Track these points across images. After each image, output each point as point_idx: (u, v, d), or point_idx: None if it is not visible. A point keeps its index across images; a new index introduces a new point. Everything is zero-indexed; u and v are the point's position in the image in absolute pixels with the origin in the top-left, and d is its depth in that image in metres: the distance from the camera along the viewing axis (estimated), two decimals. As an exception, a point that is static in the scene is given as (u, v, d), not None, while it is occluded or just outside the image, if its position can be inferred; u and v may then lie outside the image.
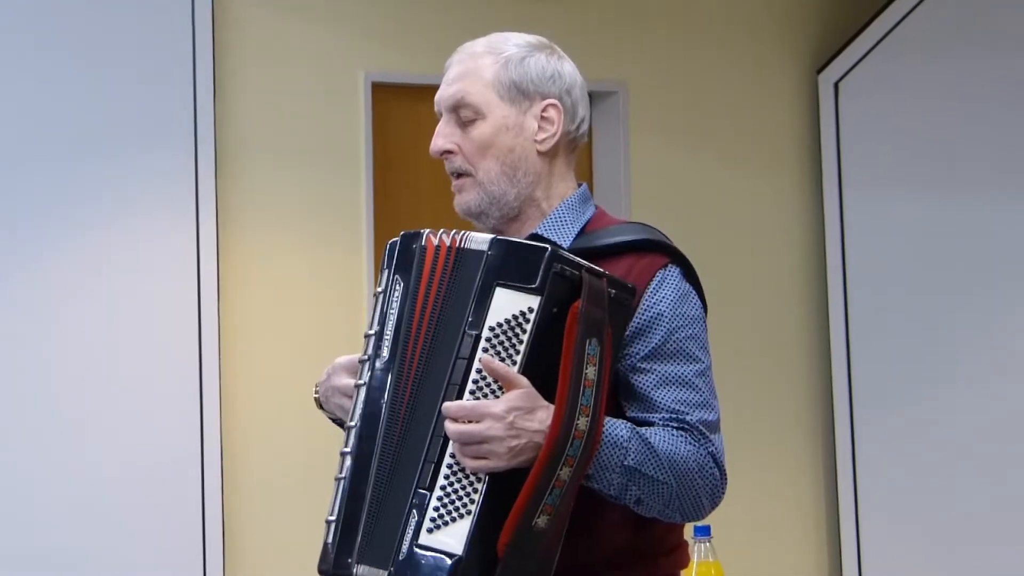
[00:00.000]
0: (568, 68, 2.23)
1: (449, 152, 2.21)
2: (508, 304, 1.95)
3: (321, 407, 2.22)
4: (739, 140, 5.40)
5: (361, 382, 2.07)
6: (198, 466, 4.43)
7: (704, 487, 2.06)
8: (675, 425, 2.05)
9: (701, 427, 2.06)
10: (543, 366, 1.95)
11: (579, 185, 2.24)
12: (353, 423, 2.06)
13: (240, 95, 4.66)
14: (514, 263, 1.97)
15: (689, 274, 2.14)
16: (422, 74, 4.87)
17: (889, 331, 5.29)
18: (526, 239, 2.16)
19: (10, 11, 4.36)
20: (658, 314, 2.08)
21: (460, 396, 1.95)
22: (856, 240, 5.33)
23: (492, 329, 1.94)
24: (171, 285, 4.45)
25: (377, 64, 4.85)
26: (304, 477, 4.57)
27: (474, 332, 1.95)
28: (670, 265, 2.12)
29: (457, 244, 2.04)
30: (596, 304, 1.96)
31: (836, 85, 5.38)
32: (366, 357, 2.08)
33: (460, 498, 1.93)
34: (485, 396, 1.94)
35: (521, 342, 1.94)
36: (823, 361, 5.41)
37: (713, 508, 2.10)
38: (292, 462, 4.62)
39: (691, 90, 5.33)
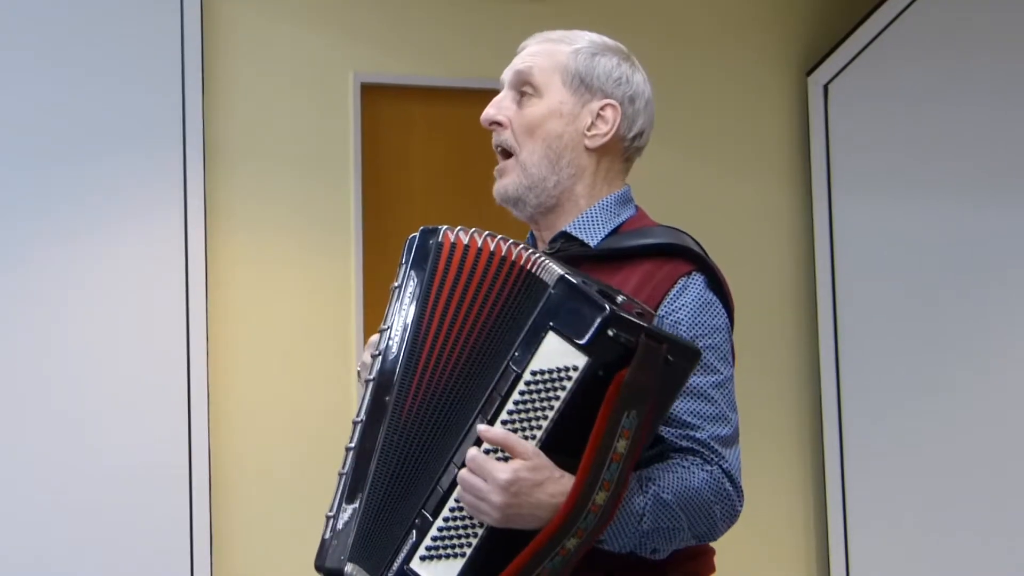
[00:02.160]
0: (639, 79, 2.21)
1: (498, 124, 2.18)
2: (555, 353, 1.88)
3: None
4: (728, 142, 5.40)
5: (371, 377, 2.04)
6: (186, 470, 4.41)
7: (720, 510, 2.02)
8: (685, 444, 2.00)
9: (713, 443, 2.01)
10: (574, 428, 1.87)
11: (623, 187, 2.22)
12: (359, 419, 2.03)
13: (229, 97, 4.65)
14: (571, 311, 1.88)
15: (714, 283, 2.10)
16: (411, 75, 4.87)
17: (878, 334, 5.29)
18: (555, 237, 2.15)
19: (-3, 11, 4.35)
20: (675, 322, 2.04)
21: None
22: (845, 243, 5.33)
23: (534, 374, 1.88)
24: (159, 288, 4.44)
25: (366, 65, 4.85)
26: (292, 480, 4.56)
27: (516, 370, 1.89)
28: (694, 273, 2.08)
29: (526, 265, 1.96)
30: (646, 372, 1.87)
31: (826, 87, 5.38)
32: (377, 352, 2.05)
33: (459, 536, 1.89)
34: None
35: (557, 399, 1.87)
36: (812, 365, 5.40)
37: (729, 526, 2.05)
38: (280, 466, 4.61)
39: (680, 92, 5.32)
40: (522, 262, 1.96)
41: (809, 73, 5.43)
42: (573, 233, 2.14)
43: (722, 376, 2.06)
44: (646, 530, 1.96)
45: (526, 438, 1.88)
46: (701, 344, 2.03)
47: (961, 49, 5.30)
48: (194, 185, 4.48)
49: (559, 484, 1.87)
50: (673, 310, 2.05)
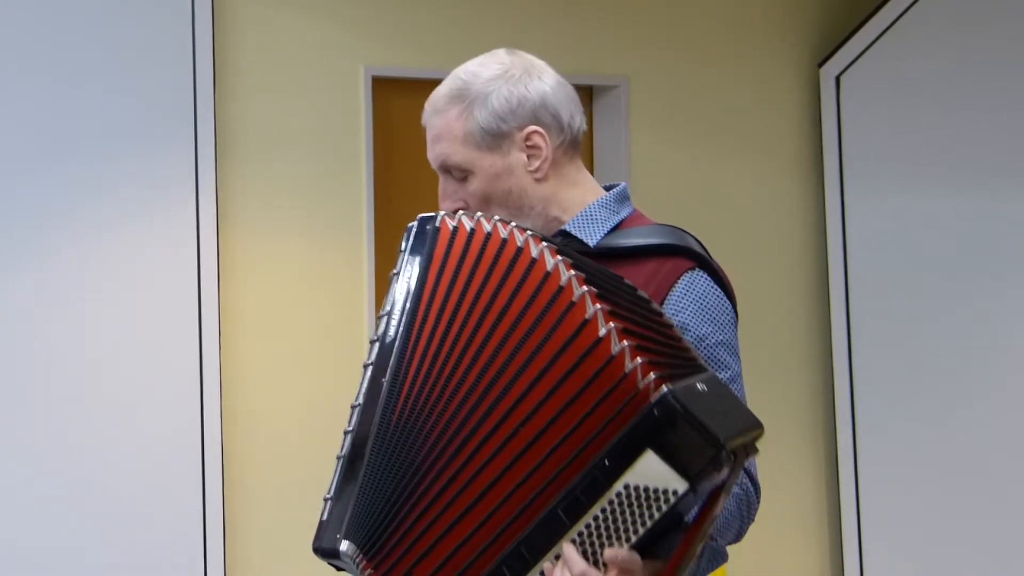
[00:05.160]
0: (534, 87, 2.16)
1: (461, 209, 2.16)
2: (654, 473, 1.80)
3: None
4: (740, 134, 5.40)
5: (369, 362, 2.03)
6: (198, 463, 4.42)
7: (748, 515, 2.03)
8: None
9: None
10: (658, 537, 1.84)
11: (616, 185, 2.21)
12: (358, 402, 2.03)
13: (240, 90, 4.65)
14: (677, 436, 1.80)
15: (717, 278, 2.10)
16: (423, 68, 4.87)
17: (891, 326, 5.28)
18: (555, 234, 2.14)
19: (7, 10, 4.34)
20: (684, 322, 2.03)
21: (563, 532, 1.85)
22: (857, 235, 5.32)
23: (627, 487, 1.82)
24: (172, 281, 4.44)
25: (377, 58, 4.85)
26: (305, 472, 4.56)
27: (606, 479, 1.82)
28: (696, 269, 2.08)
29: (597, 326, 1.82)
30: (734, 482, 1.85)
31: (838, 79, 5.37)
32: (376, 337, 2.04)
33: None
34: (592, 546, 1.84)
35: (652, 518, 1.81)
36: (824, 357, 5.40)
37: (751, 523, 2.06)
38: (293, 458, 4.62)
39: (692, 84, 5.32)
40: (573, 295, 1.85)
41: (821, 64, 5.42)
42: (572, 232, 2.14)
43: (734, 371, 2.07)
44: (702, 567, 1.99)
45: (612, 544, 1.84)
46: (712, 340, 2.04)
47: (974, 40, 5.28)
48: (206, 178, 4.48)
49: None
50: (681, 309, 2.05)
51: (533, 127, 2.14)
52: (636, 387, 1.80)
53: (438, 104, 2.20)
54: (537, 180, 2.15)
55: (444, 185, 2.21)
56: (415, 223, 2.07)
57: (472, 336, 1.92)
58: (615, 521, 1.83)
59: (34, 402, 4.30)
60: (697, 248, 2.13)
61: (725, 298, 2.10)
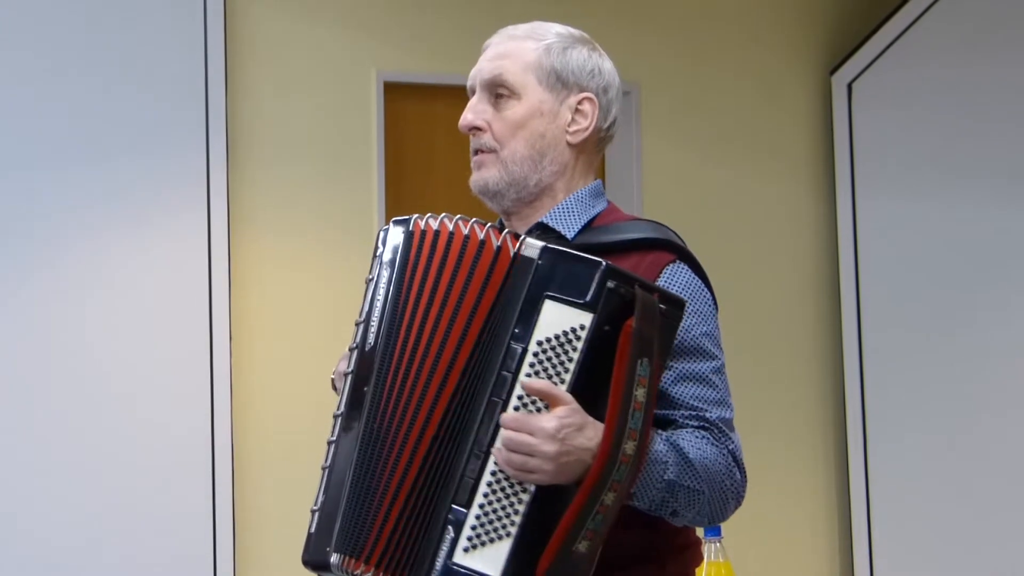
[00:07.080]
0: (608, 67, 2.21)
1: (478, 129, 2.19)
2: (558, 319, 1.88)
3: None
4: (751, 141, 5.39)
5: (349, 370, 2.06)
6: (208, 464, 4.43)
7: (730, 488, 2.03)
8: (696, 424, 2.03)
9: (721, 425, 2.03)
10: (592, 385, 1.89)
11: (594, 180, 2.22)
12: (340, 412, 2.05)
13: (252, 95, 4.66)
14: (565, 275, 1.90)
15: (697, 270, 2.11)
16: (434, 73, 4.87)
17: (902, 333, 5.27)
18: (531, 228, 2.15)
19: (21, 13, 4.36)
20: None
21: (504, 411, 1.89)
22: (869, 242, 5.31)
23: (540, 344, 1.89)
24: (183, 285, 4.45)
25: (389, 63, 4.85)
26: (315, 473, 4.56)
27: (520, 345, 1.89)
28: (678, 262, 2.08)
29: (506, 247, 1.96)
30: (648, 321, 1.89)
31: (849, 86, 5.36)
32: (354, 345, 2.06)
33: (500, 518, 1.88)
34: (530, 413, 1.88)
35: (571, 360, 1.88)
36: (835, 363, 5.39)
37: (737, 508, 2.07)
38: (303, 460, 4.62)
39: (703, 90, 5.32)
40: (499, 242, 1.97)
41: (833, 72, 5.42)
42: (550, 224, 2.14)
43: (719, 362, 2.07)
44: (671, 480, 1.97)
45: (544, 407, 1.89)
46: (697, 331, 2.05)
47: (985, 47, 5.28)
48: (217, 182, 4.49)
49: (595, 428, 1.88)
50: None
51: (591, 95, 2.16)
52: (527, 257, 1.93)
53: (515, 33, 2.23)
54: (568, 144, 2.16)
55: (475, 102, 2.21)
56: (388, 227, 2.10)
57: (446, 336, 1.96)
58: (543, 378, 1.89)
59: (45, 402, 4.32)
60: (677, 241, 2.13)
61: (706, 289, 2.10)
